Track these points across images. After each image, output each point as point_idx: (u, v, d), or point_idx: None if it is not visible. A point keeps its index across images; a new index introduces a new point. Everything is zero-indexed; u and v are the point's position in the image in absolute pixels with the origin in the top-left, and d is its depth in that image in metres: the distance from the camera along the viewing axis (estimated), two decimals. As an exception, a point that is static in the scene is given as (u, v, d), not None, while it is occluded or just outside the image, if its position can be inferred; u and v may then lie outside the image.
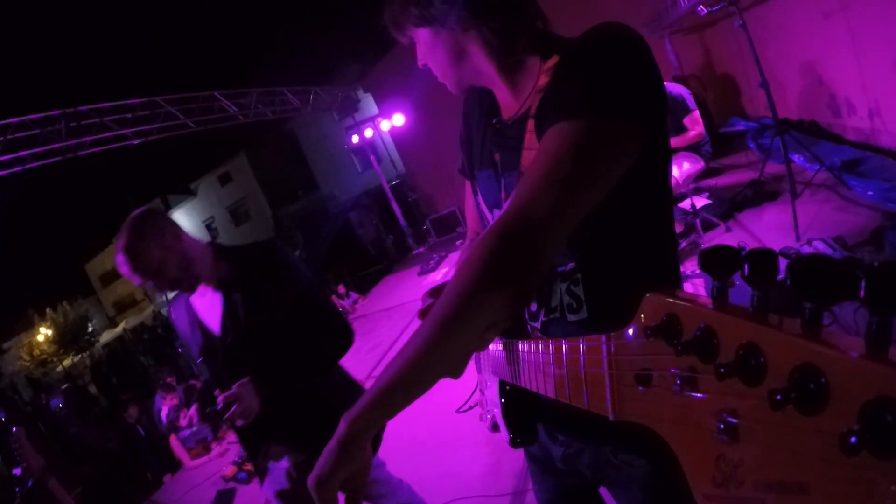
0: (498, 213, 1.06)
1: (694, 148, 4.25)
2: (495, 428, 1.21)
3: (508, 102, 1.03)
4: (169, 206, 34.59)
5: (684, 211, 4.33)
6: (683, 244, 4.40)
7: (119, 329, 35.04)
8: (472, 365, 0.93)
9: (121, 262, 1.70)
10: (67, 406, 7.46)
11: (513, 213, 0.75)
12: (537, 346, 0.80)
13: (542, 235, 0.73)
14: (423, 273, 9.05)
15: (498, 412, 1.14)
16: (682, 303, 0.44)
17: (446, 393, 3.28)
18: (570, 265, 0.94)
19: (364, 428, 0.76)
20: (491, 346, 1.09)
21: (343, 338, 1.89)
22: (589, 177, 0.76)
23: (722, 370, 0.38)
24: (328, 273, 12.61)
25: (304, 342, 1.81)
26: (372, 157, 12.42)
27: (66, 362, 35.05)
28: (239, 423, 1.71)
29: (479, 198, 1.14)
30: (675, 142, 4.24)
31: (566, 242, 0.80)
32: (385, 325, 7.37)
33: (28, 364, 34.48)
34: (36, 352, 35.49)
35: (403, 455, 3.52)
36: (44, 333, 36.24)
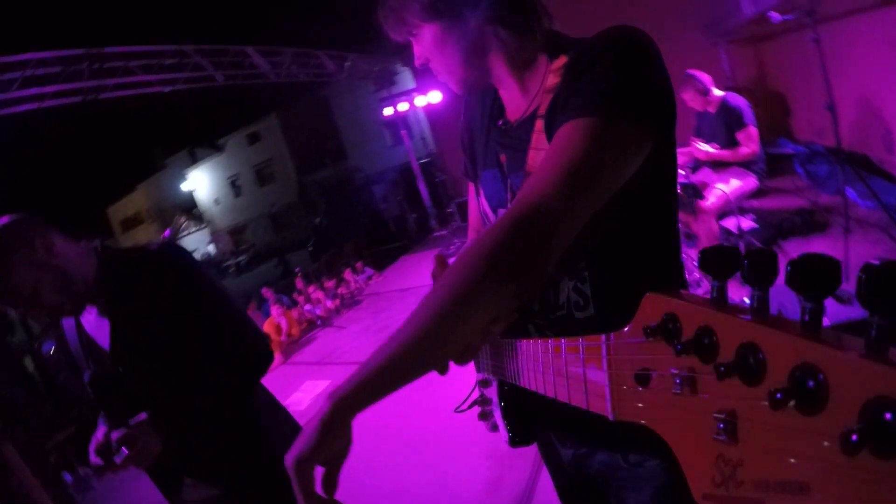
0: (503, 212, 1.06)
1: (745, 165, 4.01)
2: (495, 428, 1.22)
3: (515, 102, 1.02)
4: (196, 160, 34.95)
5: (728, 232, 4.12)
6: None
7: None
8: (470, 364, 0.90)
9: None
10: (59, 352, 7.42)
11: (526, 203, 0.75)
12: (537, 346, 0.79)
13: (554, 225, 0.73)
14: (441, 258, 8.90)
15: (498, 412, 1.15)
16: (682, 302, 0.44)
17: (444, 392, 3.15)
18: (578, 263, 0.94)
19: (349, 408, 0.72)
20: (491, 346, 1.09)
21: (258, 359, 1.61)
22: (601, 173, 0.77)
23: (721, 370, 0.38)
24: (346, 245, 12.53)
25: (210, 367, 1.53)
26: (403, 133, 12.01)
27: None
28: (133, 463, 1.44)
29: (482, 198, 1.13)
30: (725, 154, 4.01)
31: (574, 239, 0.79)
32: (397, 306, 7.31)
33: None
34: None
35: (394, 457, 3.40)
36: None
